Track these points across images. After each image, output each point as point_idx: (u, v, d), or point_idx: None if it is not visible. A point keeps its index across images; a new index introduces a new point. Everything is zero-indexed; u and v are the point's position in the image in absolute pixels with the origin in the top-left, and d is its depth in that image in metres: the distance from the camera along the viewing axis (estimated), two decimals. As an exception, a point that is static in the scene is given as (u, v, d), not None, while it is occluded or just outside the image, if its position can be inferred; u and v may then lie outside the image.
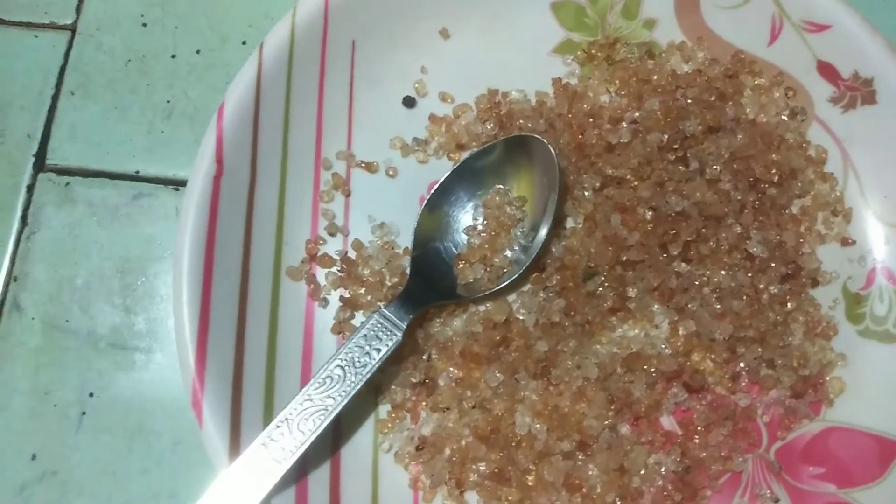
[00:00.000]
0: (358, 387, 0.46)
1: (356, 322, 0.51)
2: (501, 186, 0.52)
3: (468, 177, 0.52)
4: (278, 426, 0.45)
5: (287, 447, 0.44)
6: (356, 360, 0.46)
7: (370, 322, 0.47)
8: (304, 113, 0.53)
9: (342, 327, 0.51)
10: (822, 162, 0.53)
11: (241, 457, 0.44)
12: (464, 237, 0.52)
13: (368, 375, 0.46)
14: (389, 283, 0.51)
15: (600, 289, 0.50)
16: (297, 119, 0.53)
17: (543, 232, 0.50)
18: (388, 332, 0.47)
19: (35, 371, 0.52)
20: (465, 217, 0.52)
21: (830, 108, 0.53)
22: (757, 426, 0.49)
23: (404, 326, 0.47)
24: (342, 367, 0.46)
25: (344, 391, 0.46)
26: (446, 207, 0.52)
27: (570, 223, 0.52)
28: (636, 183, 0.51)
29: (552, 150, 0.50)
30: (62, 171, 0.57)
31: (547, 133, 0.52)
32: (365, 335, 0.47)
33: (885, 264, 0.51)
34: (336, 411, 0.45)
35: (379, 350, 0.47)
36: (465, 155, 0.53)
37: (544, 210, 0.51)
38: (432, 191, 0.52)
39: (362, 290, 0.51)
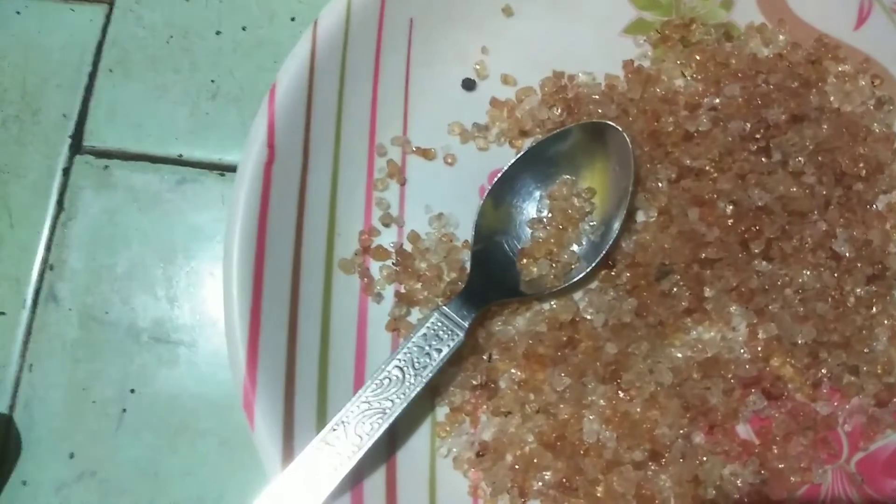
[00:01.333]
0: (418, 389, 0.43)
1: (412, 319, 0.48)
2: (569, 177, 0.49)
3: (535, 165, 0.49)
4: (334, 429, 0.43)
5: (343, 451, 0.42)
6: (415, 360, 0.44)
7: (430, 320, 0.45)
8: (358, 96, 0.50)
9: (397, 324, 0.48)
10: (909, 155, 0.50)
11: (296, 461, 0.42)
12: (528, 231, 0.49)
13: (429, 377, 0.44)
14: (448, 279, 0.49)
15: (675, 288, 0.47)
16: (350, 102, 0.50)
17: (615, 226, 0.47)
18: (450, 332, 0.45)
19: (73, 365, 0.50)
20: (530, 209, 0.49)
21: (920, 98, 0.50)
22: (837, 436, 0.46)
23: (466, 326, 0.45)
24: (401, 368, 0.44)
25: (403, 393, 0.43)
26: (510, 198, 0.49)
27: (641, 217, 0.49)
28: (715, 175, 0.48)
29: (627, 139, 0.47)
30: (100, 154, 0.54)
31: (619, 119, 0.49)
32: (424, 334, 0.45)
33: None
34: (395, 415, 0.43)
35: (440, 350, 0.44)
36: (530, 142, 0.50)
37: (616, 203, 0.48)
38: (495, 180, 0.49)
39: (419, 286, 0.49)
